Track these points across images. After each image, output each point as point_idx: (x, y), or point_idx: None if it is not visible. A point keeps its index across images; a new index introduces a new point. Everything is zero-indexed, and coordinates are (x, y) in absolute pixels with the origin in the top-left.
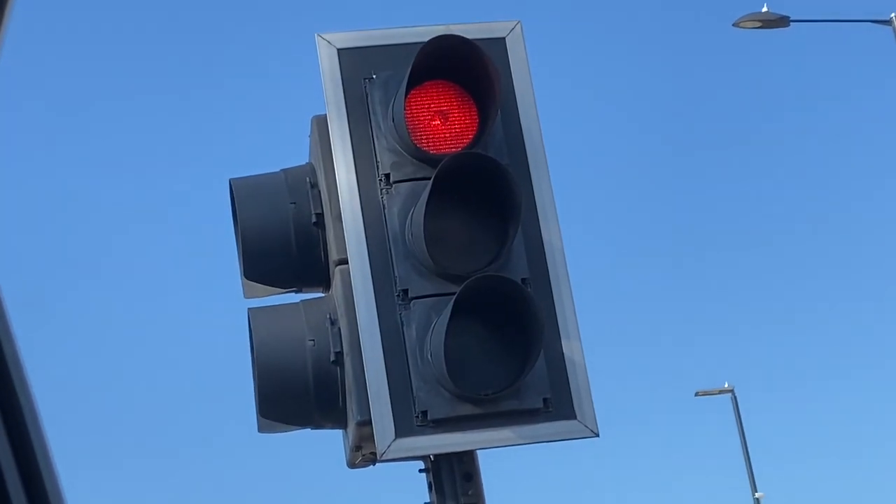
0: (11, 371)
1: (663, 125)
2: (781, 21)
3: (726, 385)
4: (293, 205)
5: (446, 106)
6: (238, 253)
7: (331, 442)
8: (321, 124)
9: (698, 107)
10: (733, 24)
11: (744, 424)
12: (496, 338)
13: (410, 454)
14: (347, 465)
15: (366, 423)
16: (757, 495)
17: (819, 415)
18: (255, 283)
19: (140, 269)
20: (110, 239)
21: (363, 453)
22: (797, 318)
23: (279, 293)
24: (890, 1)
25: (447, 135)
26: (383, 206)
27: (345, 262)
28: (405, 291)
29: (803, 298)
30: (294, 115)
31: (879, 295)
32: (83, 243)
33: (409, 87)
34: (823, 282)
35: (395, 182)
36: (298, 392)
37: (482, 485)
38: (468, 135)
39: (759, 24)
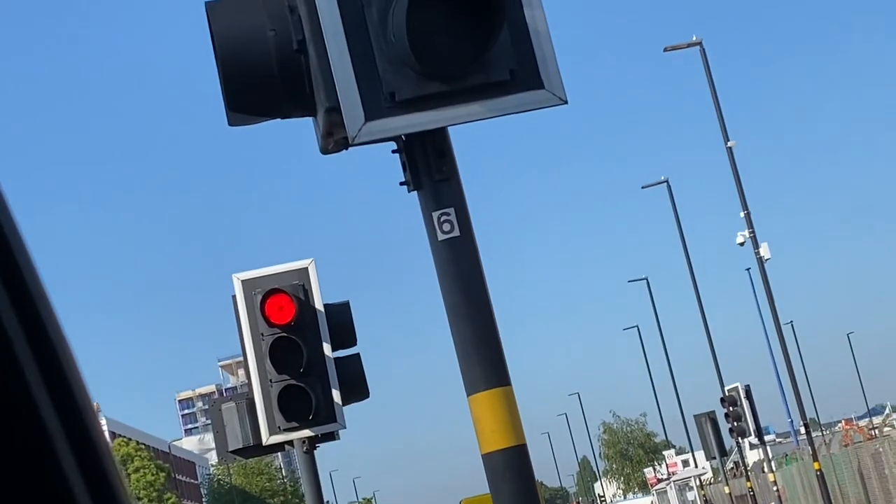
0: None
1: None
2: None
3: (694, 38)
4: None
5: None
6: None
7: (303, 129)
8: None
9: None
10: None
11: (713, 75)
12: (458, 12)
13: (381, 136)
14: (320, 151)
15: (334, 109)
16: (729, 144)
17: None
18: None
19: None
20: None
21: (335, 139)
22: None
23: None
24: None
25: None
26: None
27: None
28: None
29: None
30: None
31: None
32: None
33: None
34: None
35: None
36: (264, 83)
37: (455, 161)
38: None
39: None
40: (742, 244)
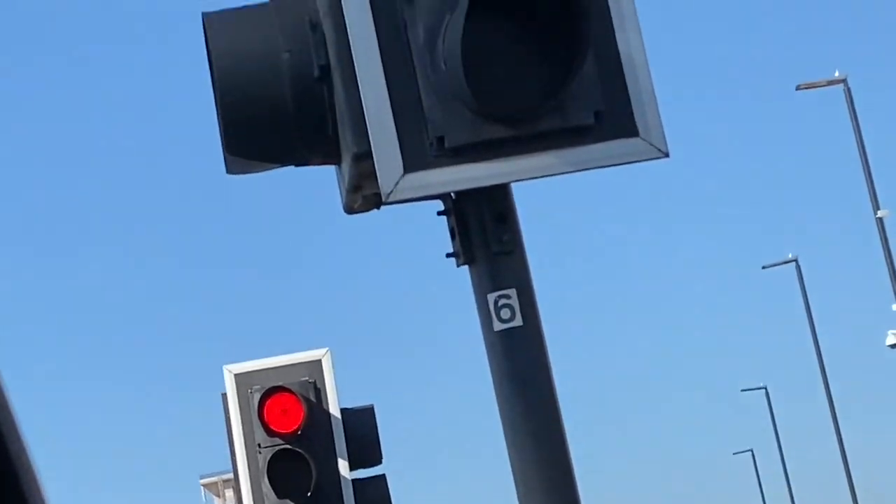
0: None
1: None
2: None
3: (837, 74)
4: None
5: None
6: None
7: (323, 180)
8: None
9: None
10: None
11: (858, 116)
12: (530, 35)
13: (425, 193)
14: (344, 209)
15: (365, 155)
16: (879, 214)
17: None
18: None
19: None
20: None
21: (364, 194)
22: None
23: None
24: None
25: None
26: None
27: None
28: None
29: None
30: None
31: None
32: None
33: None
34: None
35: None
36: (274, 119)
37: (520, 228)
38: None
39: None
40: (895, 346)
